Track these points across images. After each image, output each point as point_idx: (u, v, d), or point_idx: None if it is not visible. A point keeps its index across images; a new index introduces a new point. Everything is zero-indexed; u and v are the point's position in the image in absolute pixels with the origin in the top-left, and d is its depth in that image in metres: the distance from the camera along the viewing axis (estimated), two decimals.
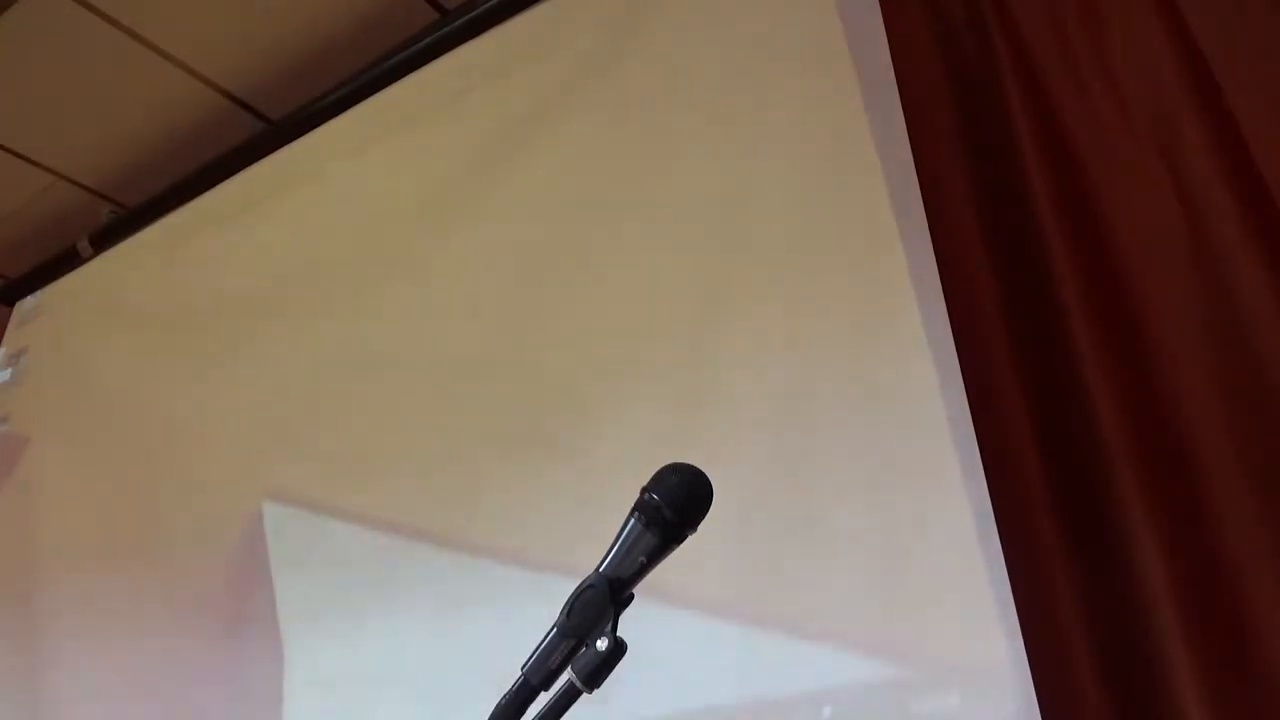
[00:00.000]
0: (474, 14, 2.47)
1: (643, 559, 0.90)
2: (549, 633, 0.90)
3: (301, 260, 2.60)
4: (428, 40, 2.55)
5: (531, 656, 0.90)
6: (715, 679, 1.56)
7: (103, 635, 2.46)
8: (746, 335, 1.75)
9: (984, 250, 1.64)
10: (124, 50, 2.62)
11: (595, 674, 0.87)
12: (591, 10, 2.29)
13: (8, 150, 2.93)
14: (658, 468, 0.94)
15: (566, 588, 0.91)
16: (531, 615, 0.94)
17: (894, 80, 1.73)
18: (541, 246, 2.13)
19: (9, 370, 3.22)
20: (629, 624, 0.89)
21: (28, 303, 3.37)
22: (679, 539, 0.91)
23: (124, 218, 3.14)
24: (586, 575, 0.91)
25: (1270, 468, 1.33)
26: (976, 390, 1.47)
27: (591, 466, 1.81)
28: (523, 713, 0.89)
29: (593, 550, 0.93)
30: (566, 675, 0.88)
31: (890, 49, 1.76)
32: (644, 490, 0.92)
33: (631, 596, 0.91)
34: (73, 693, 2.44)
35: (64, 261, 3.25)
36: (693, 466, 0.93)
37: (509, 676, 0.90)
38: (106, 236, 3.16)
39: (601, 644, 0.87)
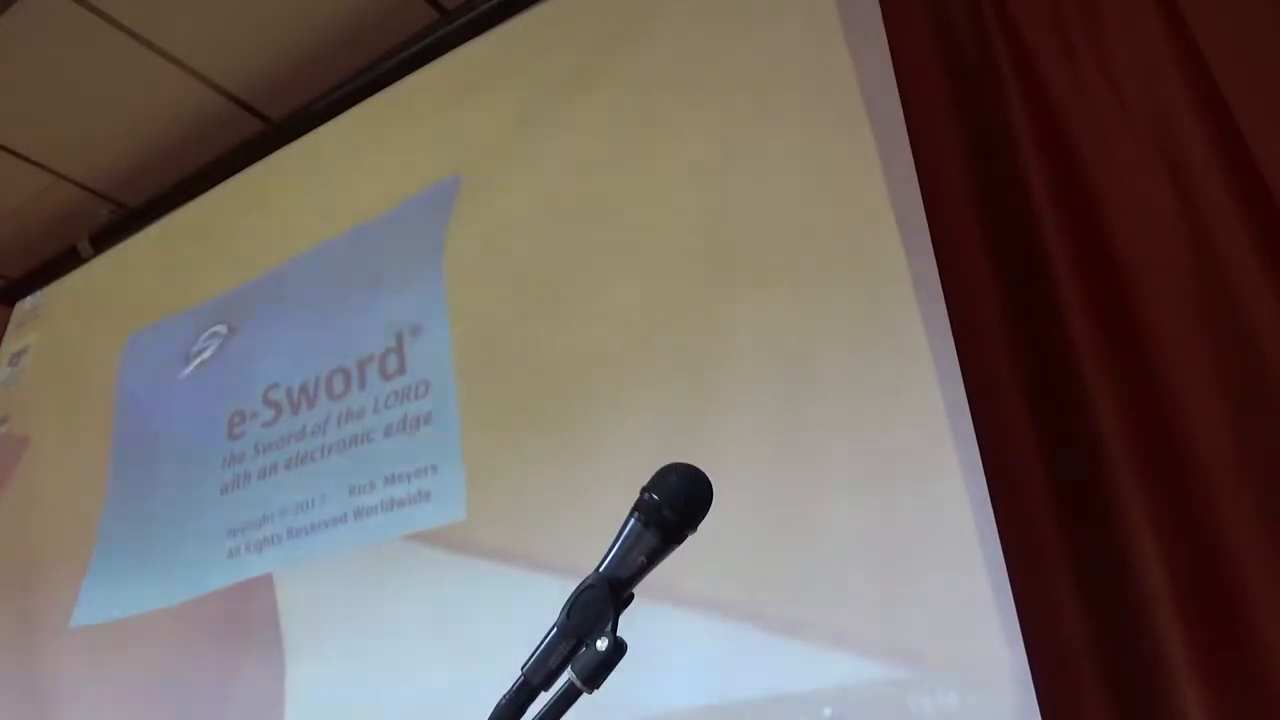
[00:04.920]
0: (474, 14, 2.47)
1: (643, 559, 0.90)
2: (549, 633, 0.90)
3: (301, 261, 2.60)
4: (428, 40, 2.55)
5: (531, 656, 0.90)
6: (715, 679, 1.56)
7: (102, 634, 2.46)
8: (747, 336, 1.75)
9: (984, 250, 1.65)
10: (124, 50, 2.63)
11: (595, 674, 0.87)
12: (591, 10, 2.29)
13: (8, 150, 2.94)
14: (658, 467, 0.94)
15: (566, 588, 0.91)
16: (532, 615, 0.94)
17: (894, 80, 1.73)
18: (542, 246, 2.13)
19: (9, 370, 3.22)
20: (629, 624, 0.89)
21: (28, 303, 3.37)
22: (679, 539, 0.91)
23: (124, 218, 3.15)
24: (586, 575, 0.91)
25: (1270, 468, 1.33)
26: (976, 390, 1.47)
27: (591, 466, 1.81)
28: (523, 713, 0.89)
29: (593, 550, 0.93)
30: (566, 675, 0.88)
31: (890, 49, 1.76)
32: (644, 490, 0.92)
33: (631, 596, 0.91)
34: (72, 692, 2.44)
35: (64, 261, 3.26)
36: (692, 466, 0.93)
37: (509, 676, 0.90)
38: (106, 236, 3.16)
39: (601, 644, 0.87)
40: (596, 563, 0.92)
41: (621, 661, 0.88)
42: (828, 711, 1.45)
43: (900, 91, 1.72)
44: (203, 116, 2.88)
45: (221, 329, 2.69)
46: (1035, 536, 1.43)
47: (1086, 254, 1.55)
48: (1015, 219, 1.64)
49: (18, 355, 3.23)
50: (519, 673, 0.90)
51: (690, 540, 0.91)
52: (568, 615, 0.90)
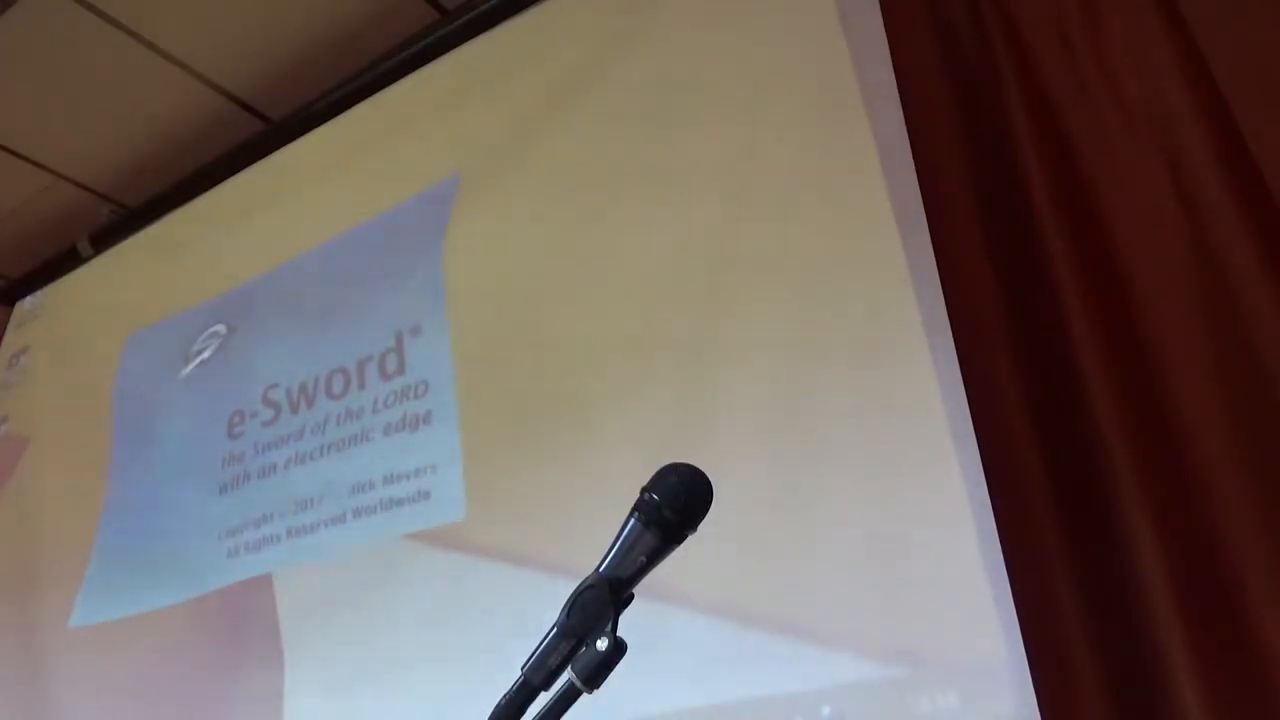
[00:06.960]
0: (474, 14, 2.47)
1: (643, 559, 0.90)
2: (549, 633, 0.90)
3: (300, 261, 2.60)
4: (428, 40, 2.55)
5: (531, 656, 0.90)
6: (715, 678, 1.56)
7: (102, 634, 2.46)
8: (747, 336, 1.75)
9: (984, 250, 1.65)
10: (124, 50, 2.62)
11: (595, 674, 0.87)
12: (591, 10, 2.29)
13: (8, 150, 2.93)
14: (658, 467, 0.94)
15: (566, 588, 0.91)
16: (531, 615, 0.94)
17: (894, 80, 1.73)
18: (541, 245, 2.13)
19: (9, 370, 3.22)
20: (629, 624, 0.89)
21: (28, 303, 3.37)
22: (679, 539, 0.91)
23: (124, 218, 3.15)
24: (586, 575, 0.91)
25: (1269, 466, 1.33)
26: (976, 390, 1.47)
27: (591, 466, 1.81)
28: (523, 713, 0.89)
29: (593, 550, 0.93)
30: (566, 675, 0.88)
31: (890, 49, 1.76)
32: (644, 490, 0.92)
33: (631, 596, 0.91)
34: (72, 692, 2.44)
35: (64, 261, 3.26)
36: (692, 466, 0.93)
37: (509, 676, 0.90)
38: (106, 236, 3.16)
39: (601, 644, 0.87)
40: (596, 563, 0.92)
41: (621, 661, 0.88)
42: (827, 711, 1.45)
43: (900, 91, 1.72)
44: (203, 116, 2.88)
45: (221, 329, 2.69)
46: (1035, 536, 1.43)
47: (1086, 254, 1.55)
48: (1015, 219, 1.64)
49: (18, 355, 3.23)
50: (519, 672, 0.90)
51: (690, 540, 0.92)
52: (568, 615, 0.90)
